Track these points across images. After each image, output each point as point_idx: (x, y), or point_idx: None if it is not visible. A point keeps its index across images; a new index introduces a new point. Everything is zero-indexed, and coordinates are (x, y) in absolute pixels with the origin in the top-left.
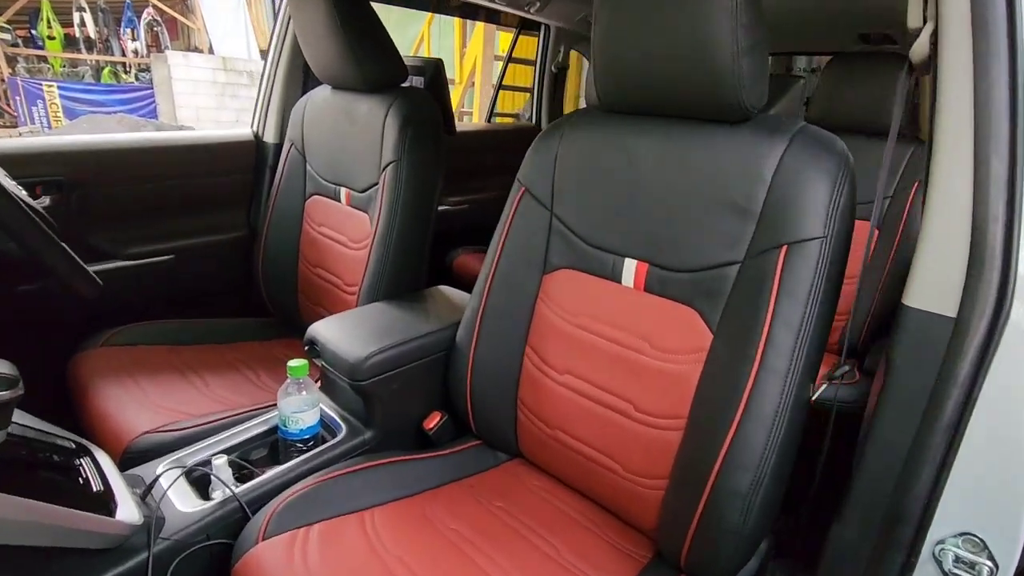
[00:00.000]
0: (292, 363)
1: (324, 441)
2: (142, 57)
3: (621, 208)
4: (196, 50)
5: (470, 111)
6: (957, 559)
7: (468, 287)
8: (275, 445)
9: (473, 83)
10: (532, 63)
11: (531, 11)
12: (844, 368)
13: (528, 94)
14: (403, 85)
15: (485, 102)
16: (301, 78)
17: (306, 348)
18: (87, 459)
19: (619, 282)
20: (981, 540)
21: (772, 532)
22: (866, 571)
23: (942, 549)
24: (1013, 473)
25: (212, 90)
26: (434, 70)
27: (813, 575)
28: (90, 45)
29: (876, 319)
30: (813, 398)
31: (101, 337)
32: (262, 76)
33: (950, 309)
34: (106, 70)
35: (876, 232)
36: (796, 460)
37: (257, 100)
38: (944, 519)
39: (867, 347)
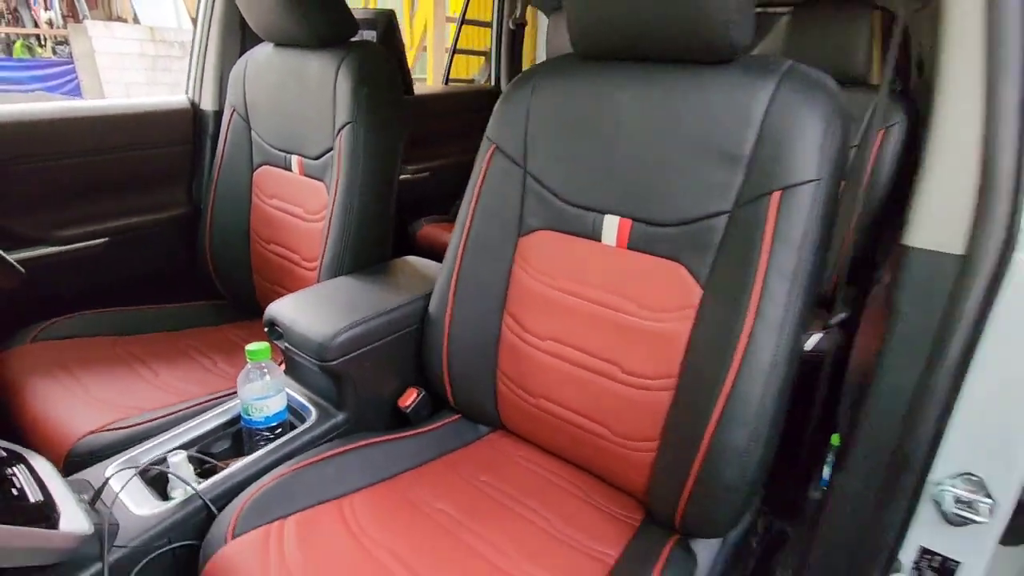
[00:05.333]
0: (251, 347)
1: (292, 428)
2: (58, 28)
3: (600, 161)
4: (119, 19)
5: (423, 77)
6: (957, 499)
7: (434, 259)
8: (238, 436)
9: (425, 47)
10: (485, 24)
11: None
12: (841, 316)
13: (482, 59)
14: (353, 40)
15: (438, 67)
16: (239, 35)
17: (266, 329)
18: (21, 467)
19: (600, 240)
20: (979, 478)
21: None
22: (871, 519)
23: (941, 490)
24: (1014, 410)
25: (141, 64)
26: (387, 23)
27: (792, 520)
28: None
29: (843, 268)
30: (807, 348)
31: (30, 332)
32: (194, 35)
33: (958, 247)
34: (18, 43)
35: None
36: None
37: (191, 63)
38: (945, 461)
39: (833, 295)
